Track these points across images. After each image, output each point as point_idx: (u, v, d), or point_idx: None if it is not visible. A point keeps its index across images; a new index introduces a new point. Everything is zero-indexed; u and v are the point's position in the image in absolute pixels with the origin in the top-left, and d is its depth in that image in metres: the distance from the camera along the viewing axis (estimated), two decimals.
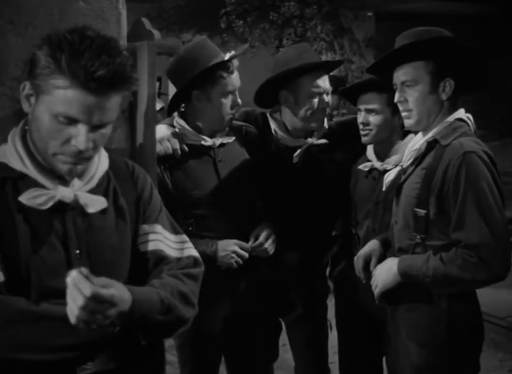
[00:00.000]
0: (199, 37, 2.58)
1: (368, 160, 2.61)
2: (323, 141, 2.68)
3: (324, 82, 2.62)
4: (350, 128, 2.65)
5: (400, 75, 2.17)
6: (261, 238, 2.50)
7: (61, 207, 1.50)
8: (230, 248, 2.43)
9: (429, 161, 2.14)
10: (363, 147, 2.65)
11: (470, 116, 2.22)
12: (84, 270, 1.32)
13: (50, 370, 1.44)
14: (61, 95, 1.38)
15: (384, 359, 2.70)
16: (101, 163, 1.59)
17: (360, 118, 2.56)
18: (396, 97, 2.21)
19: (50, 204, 1.48)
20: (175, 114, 2.60)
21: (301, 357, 2.86)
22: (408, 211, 2.16)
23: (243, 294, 2.54)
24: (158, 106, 4.20)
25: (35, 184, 1.48)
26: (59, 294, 1.36)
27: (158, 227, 1.64)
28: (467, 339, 2.17)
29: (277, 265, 2.62)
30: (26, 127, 1.51)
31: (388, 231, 2.38)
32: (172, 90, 2.53)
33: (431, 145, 2.16)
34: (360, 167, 2.61)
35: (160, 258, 1.62)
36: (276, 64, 2.66)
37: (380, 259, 2.32)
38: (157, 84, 4.41)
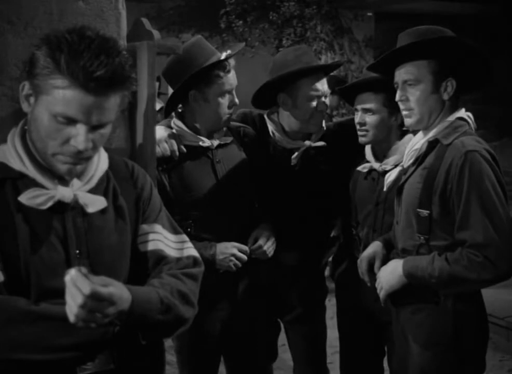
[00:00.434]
0: (194, 37, 2.55)
1: (367, 161, 2.60)
2: (321, 143, 2.66)
3: (322, 85, 2.60)
4: (348, 128, 2.63)
5: (402, 74, 2.16)
6: (261, 240, 2.49)
7: (60, 207, 1.50)
8: (229, 251, 2.40)
9: (430, 161, 2.13)
10: (362, 148, 2.63)
11: (470, 115, 2.21)
12: (83, 269, 1.32)
13: (49, 370, 1.44)
14: (60, 95, 1.38)
15: (385, 360, 2.70)
16: (101, 163, 1.59)
17: (357, 118, 2.54)
18: (398, 96, 2.19)
19: (50, 204, 1.48)
20: (173, 114, 2.59)
21: (300, 357, 2.85)
22: (411, 212, 2.15)
23: (242, 295, 2.53)
24: (158, 106, 4.19)
25: (35, 184, 1.48)
26: (59, 294, 1.36)
27: (158, 227, 1.65)
28: (473, 339, 2.16)
29: (275, 266, 2.61)
30: (26, 127, 1.51)
31: (390, 232, 2.38)
32: (171, 90, 2.52)
33: (432, 144, 2.15)
34: (359, 168, 2.60)
35: (160, 258, 1.62)
36: (274, 66, 2.64)
37: (384, 261, 2.31)
38: (157, 84, 4.41)
